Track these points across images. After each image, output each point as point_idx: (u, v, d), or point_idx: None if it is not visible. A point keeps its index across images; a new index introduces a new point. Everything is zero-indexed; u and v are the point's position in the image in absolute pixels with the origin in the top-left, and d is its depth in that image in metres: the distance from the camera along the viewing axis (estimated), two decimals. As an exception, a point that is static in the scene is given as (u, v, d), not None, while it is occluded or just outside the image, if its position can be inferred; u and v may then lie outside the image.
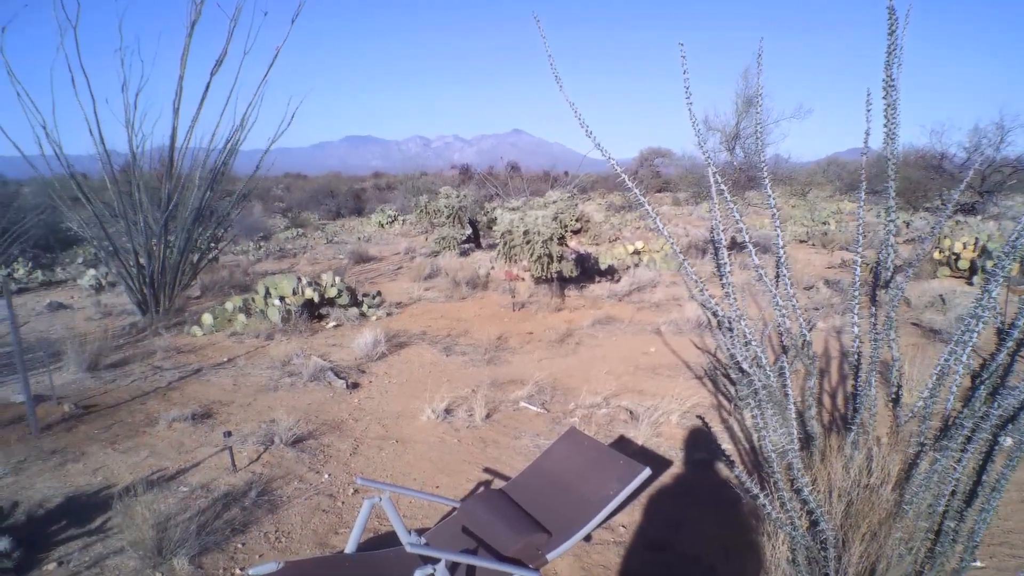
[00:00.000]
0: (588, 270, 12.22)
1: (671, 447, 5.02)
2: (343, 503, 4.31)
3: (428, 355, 7.74)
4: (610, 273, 12.52)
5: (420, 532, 3.50)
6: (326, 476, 4.68)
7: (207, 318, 9.10)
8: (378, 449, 5.16)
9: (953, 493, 2.44)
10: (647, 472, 3.23)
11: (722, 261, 2.50)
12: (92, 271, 14.21)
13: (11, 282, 6.51)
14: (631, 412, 5.69)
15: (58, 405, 5.92)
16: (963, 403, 2.37)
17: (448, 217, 16.38)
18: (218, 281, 12.82)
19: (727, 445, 4.97)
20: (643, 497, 4.26)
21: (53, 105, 9.42)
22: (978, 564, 3.36)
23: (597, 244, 16.47)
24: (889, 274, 2.67)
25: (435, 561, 2.86)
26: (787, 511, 2.43)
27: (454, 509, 3.59)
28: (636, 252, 13.66)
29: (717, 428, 5.30)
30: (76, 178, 9.70)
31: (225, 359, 7.76)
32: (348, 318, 9.46)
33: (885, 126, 2.50)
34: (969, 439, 2.32)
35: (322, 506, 4.25)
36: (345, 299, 9.81)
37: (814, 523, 2.43)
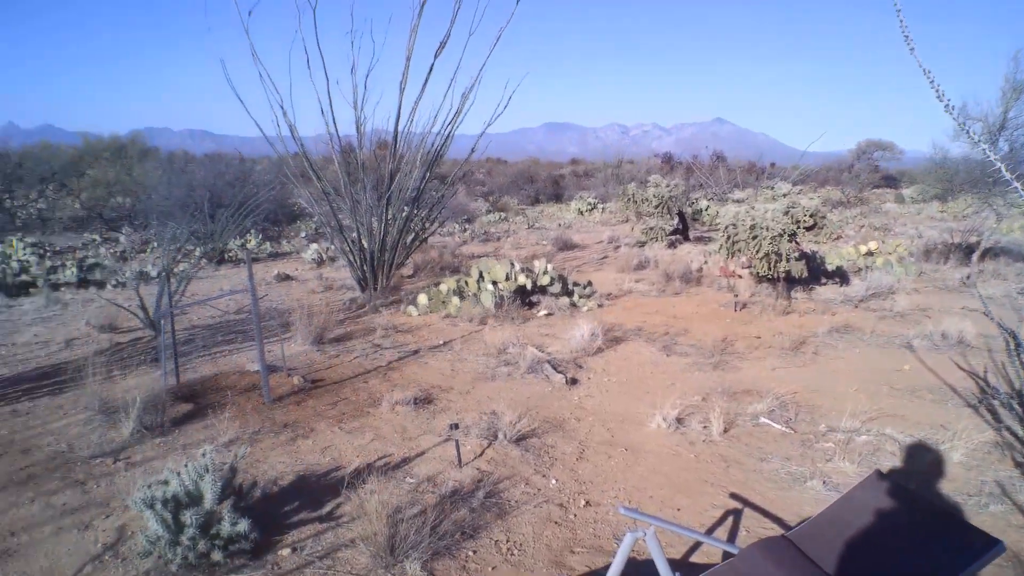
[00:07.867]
0: (813, 271, 11.01)
1: (955, 492, 4.07)
2: (575, 516, 3.89)
3: (646, 353, 7.20)
4: (838, 275, 11.22)
5: (675, 567, 2.91)
6: (553, 481, 4.30)
7: (423, 299, 9.17)
8: (606, 456, 4.70)
9: None
10: (1001, 547, 2.46)
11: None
12: (314, 245, 15.17)
13: (247, 253, 6.88)
14: (898, 442, 4.79)
15: (288, 377, 6.07)
16: None
17: (657, 207, 15.64)
18: (428, 261, 13.06)
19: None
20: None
21: (290, 86, 9.97)
22: None
23: (818, 242, 14.95)
24: None
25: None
26: None
27: (727, 553, 2.98)
28: (869, 253, 12.19)
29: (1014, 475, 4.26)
30: (307, 156, 10.15)
31: (441, 342, 7.72)
32: (559, 307, 9.13)
33: None
34: None
35: (552, 517, 3.87)
36: (557, 287, 9.52)
37: None
